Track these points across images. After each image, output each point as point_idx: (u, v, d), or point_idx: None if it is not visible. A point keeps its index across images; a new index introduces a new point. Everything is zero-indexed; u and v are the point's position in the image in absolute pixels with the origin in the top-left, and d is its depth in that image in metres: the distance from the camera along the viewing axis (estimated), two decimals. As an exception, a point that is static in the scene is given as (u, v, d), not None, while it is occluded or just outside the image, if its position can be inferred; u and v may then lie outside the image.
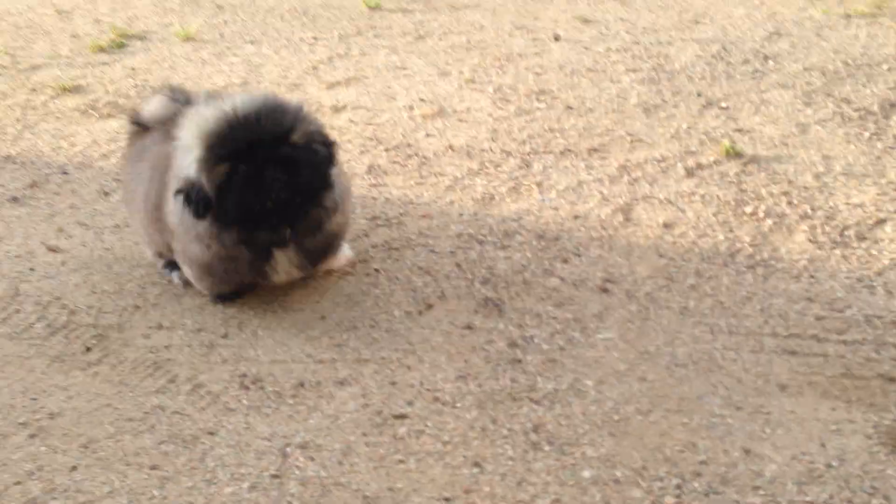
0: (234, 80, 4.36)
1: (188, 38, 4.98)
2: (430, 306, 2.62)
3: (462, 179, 3.31)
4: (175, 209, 2.49)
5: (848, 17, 4.64)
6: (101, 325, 2.63)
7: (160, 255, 2.80)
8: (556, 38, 4.67)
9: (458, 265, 2.81)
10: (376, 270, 2.81)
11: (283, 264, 2.55)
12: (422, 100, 4.00)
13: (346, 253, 2.80)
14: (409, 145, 3.60)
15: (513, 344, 2.43)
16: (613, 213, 3.01)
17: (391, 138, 3.67)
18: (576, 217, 3.01)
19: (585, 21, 4.90)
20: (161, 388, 2.36)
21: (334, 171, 2.52)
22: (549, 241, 2.89)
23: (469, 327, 2.52)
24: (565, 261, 2.78)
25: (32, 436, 2.21)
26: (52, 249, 3.02)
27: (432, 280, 2.74)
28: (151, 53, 4.82)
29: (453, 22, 5.03)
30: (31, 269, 2.92)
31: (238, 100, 2.40)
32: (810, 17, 4.68)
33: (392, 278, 2.76)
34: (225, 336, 2.55)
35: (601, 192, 3.14)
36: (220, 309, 2.67)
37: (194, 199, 2.36)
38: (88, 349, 2.53)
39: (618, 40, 4.55)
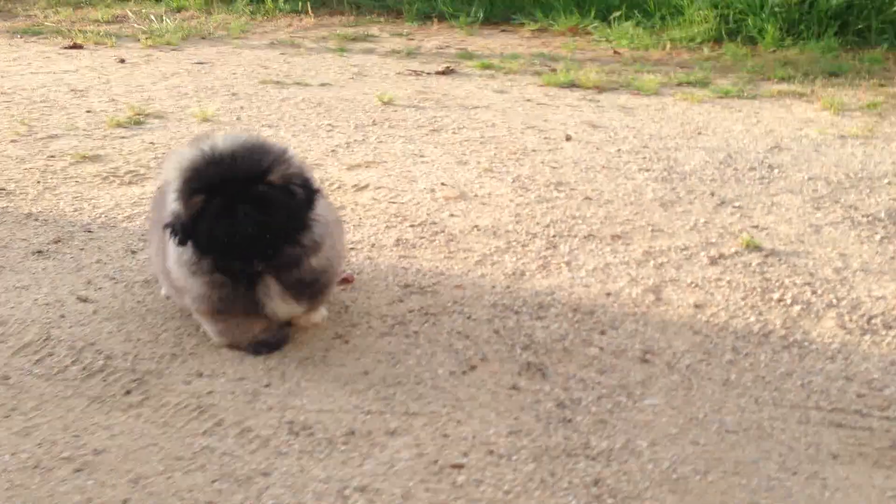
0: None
1: (206, 119, 5.08)
2: (473, 367, 2.63)
3: (491, 256, 3.37)
4: (171, 253, 2.58)
5: (843, 137, 4.89)
6: (139, 370, 2.59)
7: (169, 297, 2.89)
8: (568, 139, 4.85)
9: (496, 332, 2.83)
10: (415, 333, 2.82)
11: (274, 294, 2.59)
12: (443, 184, 4.10)
13: (323, 311, 2.85)
14: (434, 223, 3.67)
15: (561, 405, 2.44)
16: (644, 292, 3.08)
17: (416, 216, 3.74)
18: (608, 294, 3.06)
19: (593, 126, 5.10)
20: (208, 430, 2.32)
21: (318, 213, 2.58)
22: (584, 315, 2.93)
23: (515, 388, 2.52)
24: (602, 332, 2.82)
25: (78, 470, 2.16)
26: (83, 299, 2.99)
27: (472, 344, 2.76)
28: (169, 130, 4.90)
29: (465, 119, 5.20)
30: (62, 317, 2.88)
31: (219, 139, 2.51)
32: (806, 136, 4.92)
33: (432, 340, 2.77)
34: (268, 385, 2.53)
35: (629, 274, 3.21)
36: (261, 360, 2.65)
37: (177, 228, 2.46)
38: (128, 392, 2.48)
39: (627, 143, 4.74)
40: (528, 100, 5.78)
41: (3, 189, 3.97)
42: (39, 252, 3.35)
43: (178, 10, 9.25)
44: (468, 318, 2.91)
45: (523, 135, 4.92)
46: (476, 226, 3.64)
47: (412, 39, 7.90)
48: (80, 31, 7.93)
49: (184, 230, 2.46)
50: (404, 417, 2.38)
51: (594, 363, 2.65)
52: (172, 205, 2.49)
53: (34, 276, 3.16)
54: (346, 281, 3.15)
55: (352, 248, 3.42)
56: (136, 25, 8.28)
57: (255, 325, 2.67)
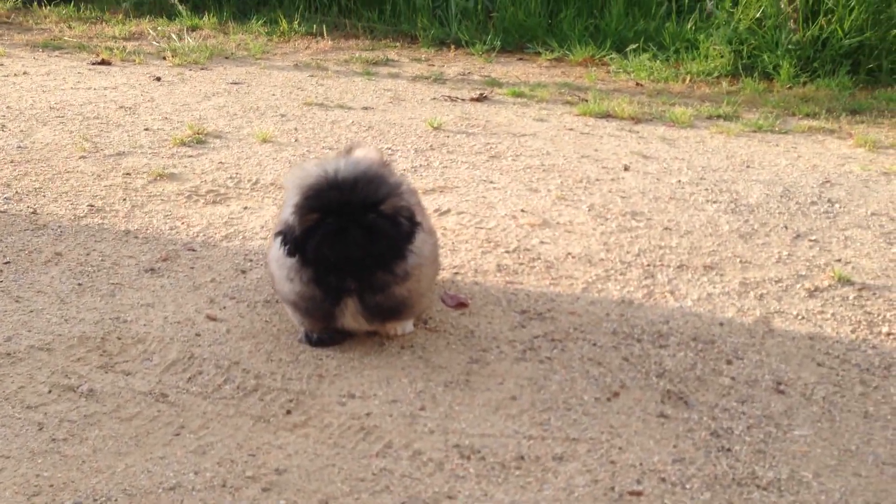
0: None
1: (266, 140, 5.10)
2: (615, 394, 2.70)
3: (594, 284, 3.44)
4: (273, 252, 2.79)
5: (886, 174, 5.07)
6: (292, 390, 2.61)
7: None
8: (626, 169, 4.96)
9: (626, 359, 2.90)
10: (548, 358, 2.88)
11: (350, 311, 2.76)
12: (522, 210, 4.17)
13: (408, 327, 3.00)
14: (527, 250, 3.74)
15: (715, 434, 2.51)
16: (755, 323, 3.17)
17: (508, 242, 3.80)
18: (720, 324, 3.16)
19: (644, 156, 5.22)
20: (379, 452, 2.35)
21: (415, 245, 2.76)
22: (705, 344, 3.01)
23: (663, 416, 2.59)
24: (728, 362, 2.91)
25: (266, 489, 2.18)
26: (212, 318, 3.00)
27: (607, 371, 2.82)
28: (234, 150, 4.91)
29: (518, 146, 5.29)
30: (197, 335, 2.89)
31: (342, 163, 2.68)
32: (851, 172, 5.09)
33: (567, 366, 2.83)
34: (422, 409, 2.57)
35: (734, 305, 3.31)
36: (408, 382, 2.69)
37: (289, 239, 2.66)
38: (289, 412, 2.50)
39: (683, 175, 4.86)
40: (570, 129, 5.88)
41: (93, 206, 3.95)
42: (152, 270, 3.35)
43: (193, 28, 9.23)
44: (594, 344, 2.98)
45: (580, 164, 5.02)
46: (569, 253, 3.72)
47: (433, 65, 7.99)
48: (104, 47, 7.88)
49: (294, 242, 2.64)
50: (567, 443, 2.43)
51: (731, 393, 2.73)
52: (288, 217, 2.68)
53: (155, 294, 3.16)
54: (462, 305, 3.20)
55: (456, 273, 3.47)
56: (155, 43, 8.25)
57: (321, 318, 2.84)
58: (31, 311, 2.98)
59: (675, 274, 3.56)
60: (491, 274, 3.48)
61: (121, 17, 9.54)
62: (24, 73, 6.79)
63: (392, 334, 2.95)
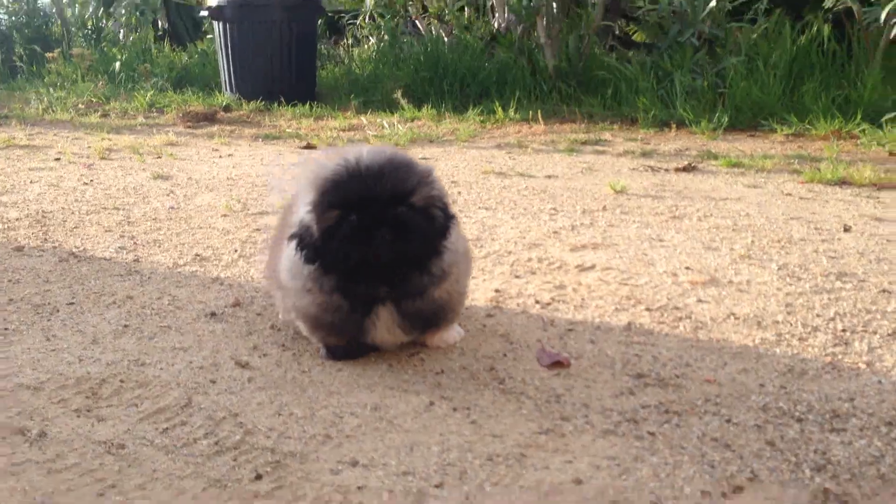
0: (469, 236, 3.87)
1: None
2: (739, 488, 1.79)
3: (755, 348, 2.51)
4: (285, 260, 2.39)
5: None
6: (281, 451, 1.97)
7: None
8: (846, 229, 3.91)
9: (770, 443, 1.97)
10: (651, 434, 2.02)
11: (384, 323, 2.36)
12: (687, 268, 3.30)
13: (457, 331, 2.60)
14: (677, 308, 2.88)
15: (889, 560, 1.53)
16: None
17: (653, 300, 2.96)
18: (936, 406, 2.11)
19: (877, 219, 4.13)
20: (348, 540, 1.62)
21: (450, 241, 2.33)
22: (903, 431, 2.00)
23: (808, 526, 1.64)
24: (938, 457, 1.88)
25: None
26: (241, 364, 2.47)
27: (735, 456, 1.91)
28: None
29: (712, 208, 4.40)
30: (212, 382, 2.36)
31: (364, 151, 2.25)
32: None
33: (675, 447, 1.96)
34: (439, 486, 1.81)
35: (965, 383, 2.24)
36: (438, 451, 1.95)
37: (306, 242, 2.25)
38: (259, 476, 1.86)
39: (928, 237, 3.72)
40: (788, 194, 4.87)
41: (199, 255, 3.63)
42: (213, 314, 2.90)
43: (412, 119, 9.19)
44: (727, 420, 2.08)
45: (787, 224, 4.03)
46: (733, 313, 2.81)
47: (647, 143, 7.23)
48: (315, 135, 7.99)
49: (313, 246, 2.24)
50: (634, 552, 1.57)
51: (932, 500, 1.71)
52: (304, 216, 2.27)
53: (198, 338, 2.69)
54: (560, 364, 2.42)
55: (570, 330, 2.70)
56: (368, 132, 8.25)
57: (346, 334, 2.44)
58: (53, 350, 2.61)
59: (883, 342, 2.54)
60: (616, 332, 2.67)
61: (348, 113, 9.76)
62: (230, 155, 6.93)
63: (435, 345, 2.54)
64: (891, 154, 6.31)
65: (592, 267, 3.35)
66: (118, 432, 2.08)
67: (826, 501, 1.73)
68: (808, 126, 7.27)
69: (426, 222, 2.24)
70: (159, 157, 6.56)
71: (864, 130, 6.98)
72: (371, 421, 2.11)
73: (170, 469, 1.90)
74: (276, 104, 9.81)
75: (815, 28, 7.77)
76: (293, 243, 2.29)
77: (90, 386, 2.33)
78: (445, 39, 9.84)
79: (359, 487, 1.81)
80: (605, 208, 4.44)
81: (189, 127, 8.60)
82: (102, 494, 1.80)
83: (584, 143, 7.18)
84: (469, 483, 1.82)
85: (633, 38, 10.52)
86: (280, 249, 2.51)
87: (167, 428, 2.09)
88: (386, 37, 10.57)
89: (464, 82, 9.25)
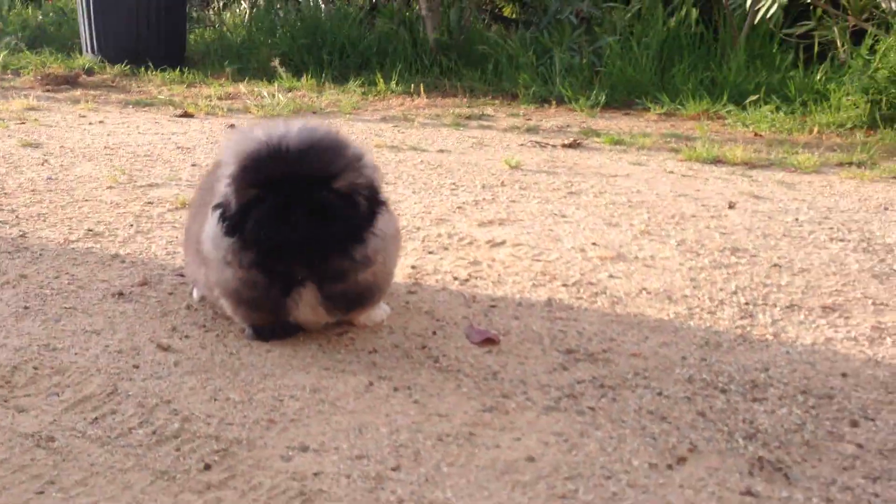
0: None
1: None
2: (681, 459, 1.87)
3: (671, 322, 2.63)
4: (208, 229, 2.32)
5: None
6: (225, 438, 1.92)
7: (203, 297, 2.64)
8: (731, 206, 4.12)
9: (701, 414, 2.07)
10: (591, 409, 2.08)
11: (307, 302, 2.31)
12: (594, 244, 3.40)
13: (384, 309, 2.58)
14: (591, 283, 2.97)
15: (828, 521, 1.65)
16: (893, 376, 2.27)
17: (567, 276, 3.04)
18: (843, 375, 2.28)
19: (756, 196, 4.37)
20: (315, 526, 1.60)
21: (378, 227, 2.28)
22: (819, 399, 2.15)
23: (751, 493, 1.75)
24: (854, 424, 2.03)
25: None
26: (164, 348, 2.37)
27: (673, 428, 2.00)
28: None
29: (605, 185, 4.54)
30: (135, 367, 2.26)
31: (295, 128, 2.18)
32: None
33: (615, 420, 2.03)
34: (396, 469, 1.82)
35: (864, 353, 2.42)
36: (388, 433, 1.95)
37: (226, 215, 2.21)
38: (208, 466, 1.81)
39: (803, 213, 3.98)
40: (671, 172, 5.09)
41: (91, 231, 3.45)
42: (120, 294, 2.77)
43: (290, 90, 8.98)
44: (658, 393, 2.17)
45: (676, 201, 4.21)
46: (644, 288, 2.92)
47: (529, 119, 7.36)
48: (192, 103, 7.69)
49: (231, 220, 2.20)
50: (596, 525, 1.62)
51: (856, 465, 1.86)
52: (225, 188, 2.22)
53: (109, 320, 2.57)
54: (490, 341, 2.45)
55: (493, 307, 2.74)
56: (248, 101, 8.01)
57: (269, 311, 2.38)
58: (-49, 334, 2.43)
59: (783, 315, 2.70)
60: (538, 308, 2.73)
61: (223, 80, 9.42)
62: (101, 122, 6.58)
63: (362, 324, 2.52)
64: (756, 135, 6.67)
65: (503, 243, 3.40)
66: (43, 423, 1.96)
67: (763, 469, 1.84)
68: (678, 106, 7.58)
69: (349, 208, 2.19)
70: (23, 123, 6.16)
71: (729, 111, 7.34)
72: (313, 403, 2.08)
73: (109, 462, 1.81)
74: (143, 68, 9.36)
75: (684, 11, 8.08)
76: (217, 213, 2.23)
77: (1, 374, 2.19)
78: (323, 6, 9.63)
79: (315, 474, 1.79)
80: (503, 183, 4.50)
81: (49, 91, 8.10)
82: (42, 492, 1.70)
83: (468, 117, 7.23)
84: (425, 465, 1.83)
85: (503, 12, 10.62)
86: (202, 217, 2.43)
87: (97, 418, 1.99)
88: (260, 1, 10.25)
89: (343, 52, 9.11)
